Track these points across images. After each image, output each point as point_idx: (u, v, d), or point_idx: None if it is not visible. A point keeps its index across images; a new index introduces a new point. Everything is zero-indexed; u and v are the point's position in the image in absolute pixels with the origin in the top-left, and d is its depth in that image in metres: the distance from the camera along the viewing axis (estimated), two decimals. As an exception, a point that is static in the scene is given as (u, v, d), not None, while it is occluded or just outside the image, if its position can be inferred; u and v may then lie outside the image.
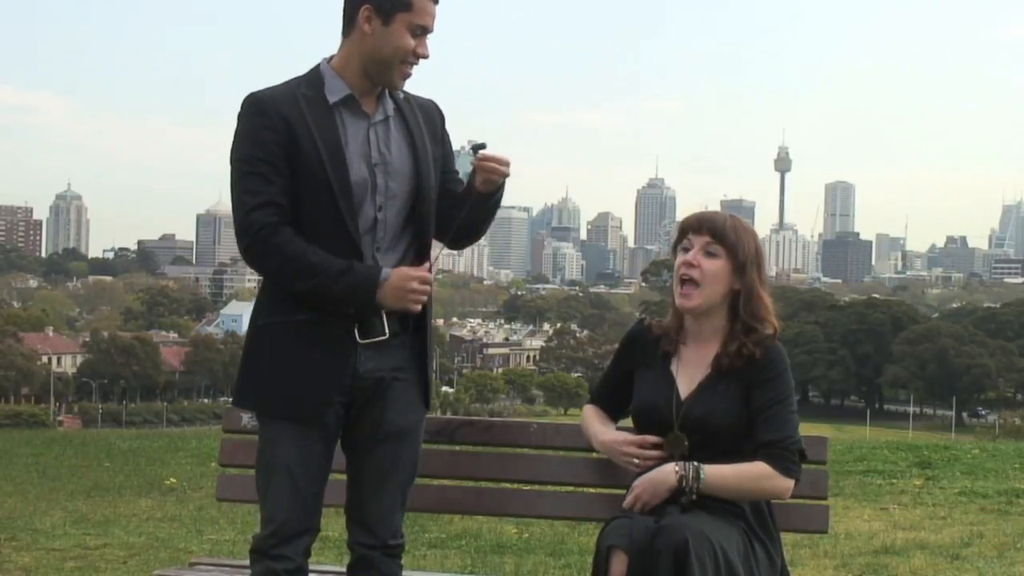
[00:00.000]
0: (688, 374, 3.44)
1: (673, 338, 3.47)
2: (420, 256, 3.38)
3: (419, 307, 3.27)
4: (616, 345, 3.71)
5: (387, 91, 3.35)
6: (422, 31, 3.25)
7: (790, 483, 3.33)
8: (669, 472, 3.28)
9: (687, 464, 3.28)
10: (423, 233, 3.38)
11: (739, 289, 3.39)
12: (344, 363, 3.28)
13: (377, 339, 3.30)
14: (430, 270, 3.35)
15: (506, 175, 3.36)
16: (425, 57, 3.28)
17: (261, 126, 3.21)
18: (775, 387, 3.36)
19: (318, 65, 3.33)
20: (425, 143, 3.36)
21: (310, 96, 3.26)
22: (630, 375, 3.56)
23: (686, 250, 3.41)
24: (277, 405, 3.31)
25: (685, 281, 3.38)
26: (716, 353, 3.40)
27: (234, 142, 3.27)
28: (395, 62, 3.25)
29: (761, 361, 3.37)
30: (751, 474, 3.29)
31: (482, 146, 3.34)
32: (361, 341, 3.29)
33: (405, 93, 3.39)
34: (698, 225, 3.40)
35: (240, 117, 3.26)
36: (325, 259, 3.20)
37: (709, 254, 3.37)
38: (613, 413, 3.64)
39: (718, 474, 3.27)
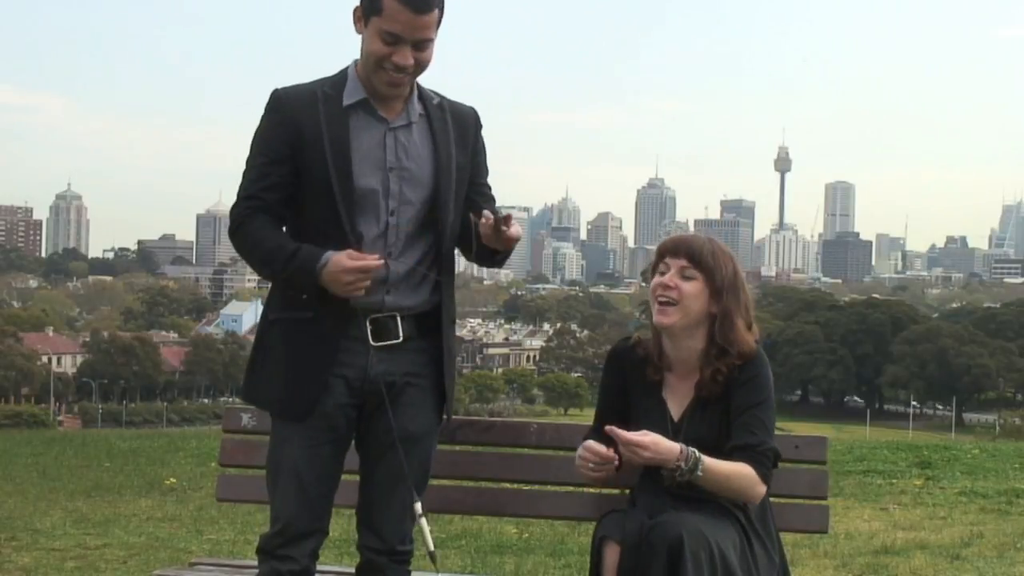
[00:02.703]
0: (677, 400, 3.45)
1: (657, 364, 3.46)
2: (438, 263, 3.33)
3: (359, 293, 3.16)
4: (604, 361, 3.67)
5: (417, 95, 3.30)
6: (392, 39, 3.14)
7: (764, 489, 3.34)
8: (673, 453, 3.23)
9: (689, 452, 3.25)
10: (441, 240, 3.31)
11: (715, 312, 3.38)
12: (332, 361, 3.24)
13: (391, 343, 3.27)
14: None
15: (505, 247, 3.22)
16: (402, 68, 3.17)
17: (272, 123, 3.24)
18: (751, 390, 3.37)
19: (348, 66, 3.31)
20: (449, 150, 3.30)
21: (330, 96, 3.24)
22: (624, 393, 3.52)
23: (662, 274, 3.40)
24: (276, 402, 3.30)
25: (663, 302, 3.37)
26: (697, 381, 3.40)
27: (253, 136, 3.30)
28: (371, 67, 3.20)
29: (739, 365, 3.39)
30: (740, 475, 3.28)
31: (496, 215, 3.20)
32: (374, 344, 3.26)
33: (441, 98, 3.34)
34: (675, 249, 3.39)
35: (262, 115, 3.28)
36: (280, 245, 3.20)
37: (686, 277, 3.36)
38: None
39: (714, 471, 3.25)
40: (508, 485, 4.12)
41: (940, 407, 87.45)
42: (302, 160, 3.20)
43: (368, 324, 3.24)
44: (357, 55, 3.30)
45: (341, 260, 3.13)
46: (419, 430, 3.36)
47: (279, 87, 3.29)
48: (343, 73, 3.30)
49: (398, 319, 3.27)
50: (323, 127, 3.19)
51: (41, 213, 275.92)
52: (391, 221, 3.24)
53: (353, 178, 3.19)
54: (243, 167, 3.30)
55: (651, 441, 3.21)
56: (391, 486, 3.36)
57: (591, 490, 4.18)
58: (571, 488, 4.42)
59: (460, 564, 6.14)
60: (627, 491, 3.60)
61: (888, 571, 6.05)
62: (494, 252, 3.29)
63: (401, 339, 3.28)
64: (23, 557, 6.33)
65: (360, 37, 3.23)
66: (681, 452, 3.22)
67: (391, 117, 3.27)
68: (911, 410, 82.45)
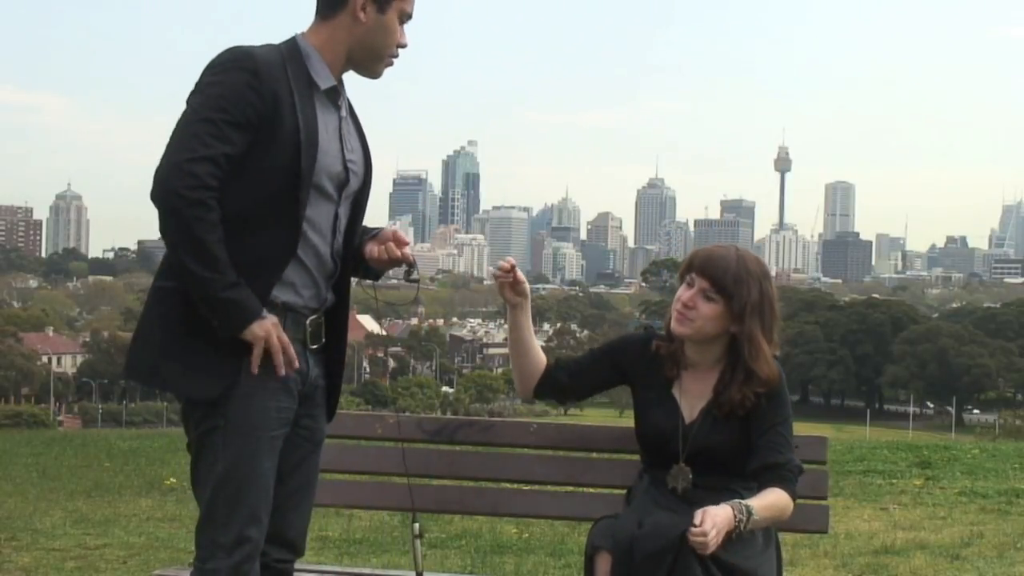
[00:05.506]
0: (690, 401, 3.42)
1: (680, 357, 3.44)
2: (359, 256, 3.22)
3: (257, 358, 2.97)
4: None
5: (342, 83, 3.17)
6: (408, 18, 3.12)
7: (793, 506, 3.35)
8: (730, 521, 3.15)
9: (741, 507, 3.18)
10: (358, 233, 3.23)
11: (737, 333, 3.34)
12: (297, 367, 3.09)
13: (318, 345, 3.15)
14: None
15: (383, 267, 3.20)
16: (405, 46, 3.14)
17: (244, 83, 2.92)
18: (774, 407, 3.37)
19: (295, 39, 3.09)
20: (368, 142, 3.22)
21: (297, 74, 3.01)
22: (618, 371, 3.52)
23: (690, 285, 3.37)
24: (256, 415, 3.11)
25: (680, 313, 3.37)
26: (715, 390, 3.38)
27: (205, 87, 2.95)
28: (386, 53, 3.10)
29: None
30: (781, 508, 3.28)
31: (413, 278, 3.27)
32: (311, 346, 3.13)
33: None
34: (702, 268, 3.35)
35: (223, 66, 2.96)
36: (228, 260, 2.92)
37: (707, 298, 3.34)
38: (567, 385, 3.57)
39: (763, 515, 3.23)
40: (508, 485, 4.12)
41: (943, 407, 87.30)
42: (267, 136, 2.94)
43: (308, 325, 3.10)
44: None
45: (278, 329, 2.98)
46: (325, 433, 3.27)
47: (240, 45, 3.00)
48: (294, 47, 3.06)
49: (322, 319, 3.15)
50: (297, 105, 2.97)
51: (41, 213, 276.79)
52: (339, 212, 3.11)
53: (317, 165, 3.01)
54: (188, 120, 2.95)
55: (712, 527, 3.09)
56: (306, 492, 3.20)
57: (591, 490, 4.19)
58: (571, 488, 4.42)
59: (460, 564, 6.14)
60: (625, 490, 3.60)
61: (888, 571, 6.05)
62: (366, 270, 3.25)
63: (323, 341, 3.16)
64: (23, 557, 6.33)
65: (354, 20, 3.05)
66: (735, 515, 3.16)
67: (340, 105, 3.15)
68: (911, 410, 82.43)
